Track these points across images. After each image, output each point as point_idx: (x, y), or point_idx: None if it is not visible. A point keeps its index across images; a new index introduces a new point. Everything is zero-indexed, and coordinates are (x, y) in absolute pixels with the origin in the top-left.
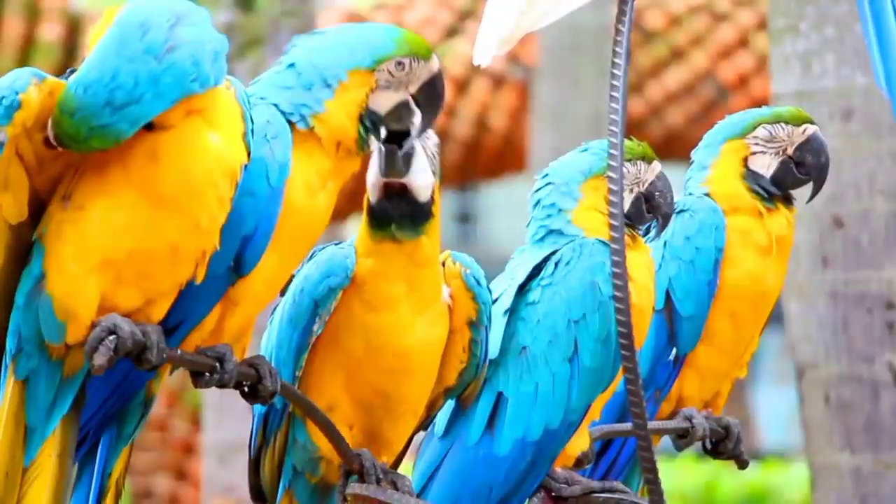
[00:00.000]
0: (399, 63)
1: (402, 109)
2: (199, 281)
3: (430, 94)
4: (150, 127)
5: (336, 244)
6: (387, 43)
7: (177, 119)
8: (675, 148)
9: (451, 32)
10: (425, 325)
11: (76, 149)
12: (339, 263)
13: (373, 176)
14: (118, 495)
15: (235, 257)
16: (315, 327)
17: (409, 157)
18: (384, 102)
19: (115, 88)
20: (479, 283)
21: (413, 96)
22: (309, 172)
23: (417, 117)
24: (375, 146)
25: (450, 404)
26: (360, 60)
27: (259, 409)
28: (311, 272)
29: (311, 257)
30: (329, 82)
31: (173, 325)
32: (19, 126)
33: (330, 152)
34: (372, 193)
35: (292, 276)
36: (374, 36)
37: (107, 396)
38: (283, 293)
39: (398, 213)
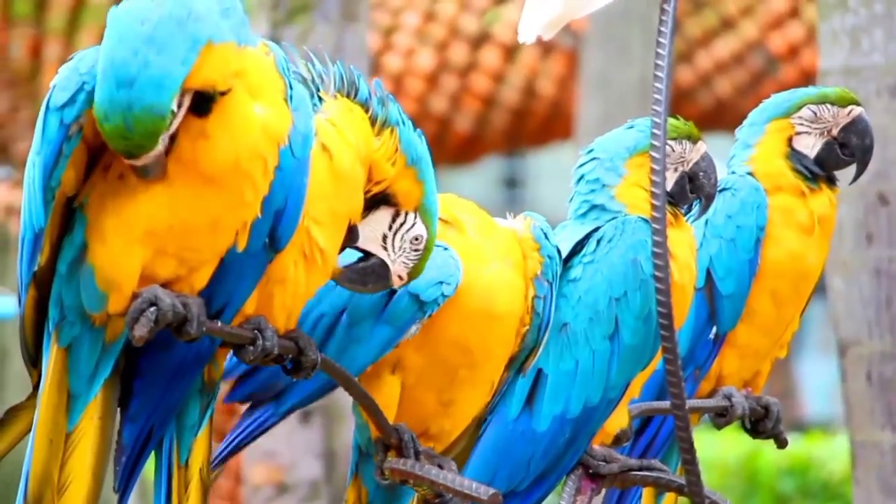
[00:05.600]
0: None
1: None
2: (240, 248)
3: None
4: (211, 99)
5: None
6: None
7: (224, 78)
8: (723, 118)
9: None
10: (512, 285)
11: (141, 150)
12: (453, 274)
13: None
14: (204, 486)
15: (269, 233)
16: (413, 328)
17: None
18: None
19: (118, 67)
20: (546, 237)
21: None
22: (356, 138)
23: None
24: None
25: None
26: None
27: None
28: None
29: None
30: None
31: (217, 310)
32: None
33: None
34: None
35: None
36: None
37: (163, 386)
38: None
39: None
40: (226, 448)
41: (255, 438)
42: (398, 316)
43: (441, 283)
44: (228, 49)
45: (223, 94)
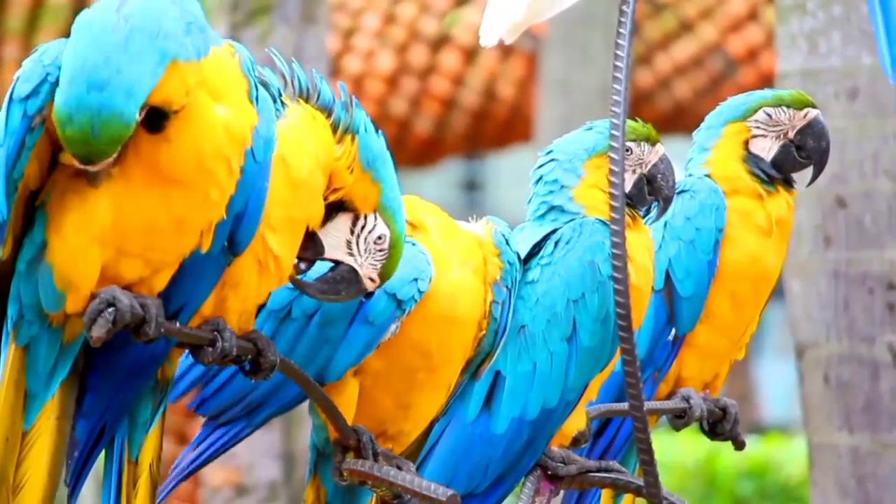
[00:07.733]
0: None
1: None
2: (204, 250)
3: None
4: (165, 116)
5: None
6: None
7: (180, 96)
8: (682, 120)
9: (461, 1)
10: (473, 290)
11: (102, 156)
12: (425, 270)
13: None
14: (153, 481)
15: (229, 236)
16: (393, 326)
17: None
18: None
19: (90, 71)
20: (507, 242)
21: None
22: (316, 146)
23: None
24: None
25: None
26: None
27: None
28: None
29: None
30: None
31: (174, 311)
32: None
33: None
34: None
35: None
36: None
37: (118, 384)
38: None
39: None
40: (197, 458)
41: (227, 450)
42: (377, 316)
43: (416, 279)
44: (190, 67)
45: (176, 112)
